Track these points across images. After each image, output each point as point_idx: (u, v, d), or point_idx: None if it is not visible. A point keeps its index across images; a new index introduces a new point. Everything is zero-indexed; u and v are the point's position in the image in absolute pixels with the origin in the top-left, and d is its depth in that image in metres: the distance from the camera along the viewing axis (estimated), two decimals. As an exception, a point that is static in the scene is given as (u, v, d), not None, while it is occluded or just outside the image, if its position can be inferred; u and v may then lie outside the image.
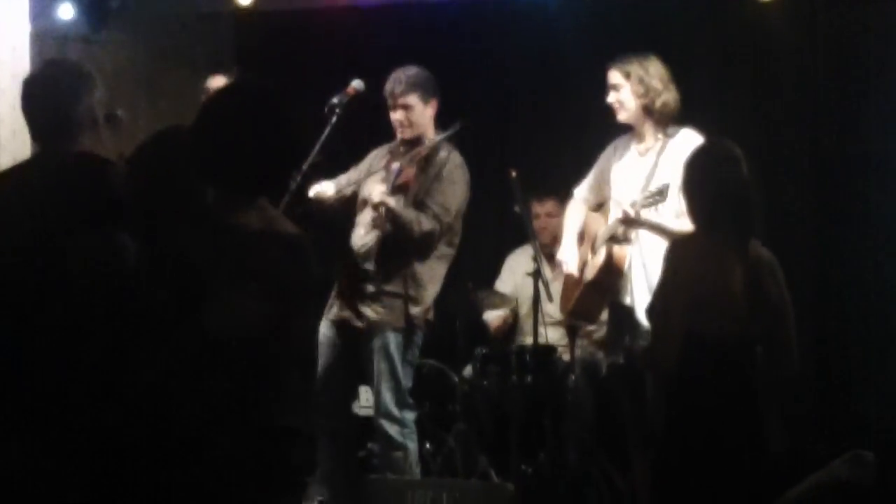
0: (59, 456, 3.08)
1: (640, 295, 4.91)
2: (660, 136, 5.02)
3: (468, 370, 6.20)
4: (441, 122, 5.36)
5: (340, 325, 5.26)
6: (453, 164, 5.25)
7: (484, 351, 6.24)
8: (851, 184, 6.33)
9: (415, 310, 5.19)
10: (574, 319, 5.58)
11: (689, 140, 4.81)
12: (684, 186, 4.22)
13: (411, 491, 5.03)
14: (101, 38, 6.41)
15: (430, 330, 5.35)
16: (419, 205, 5.17)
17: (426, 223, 5.13)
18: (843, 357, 6.35)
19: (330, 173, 5.40)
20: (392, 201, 5.15)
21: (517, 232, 6.06)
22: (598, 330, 6.14)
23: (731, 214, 4.04)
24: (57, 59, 4.07)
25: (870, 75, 6.30)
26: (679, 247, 4.27)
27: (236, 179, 2.73)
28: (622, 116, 5.09)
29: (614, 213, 5.01)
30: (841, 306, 6.36)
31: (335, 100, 5.18)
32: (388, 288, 5.18)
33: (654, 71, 5.02)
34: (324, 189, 5.31)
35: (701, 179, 4.14)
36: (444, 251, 5.29)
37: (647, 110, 5.02)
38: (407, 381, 5.24)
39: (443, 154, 5.26)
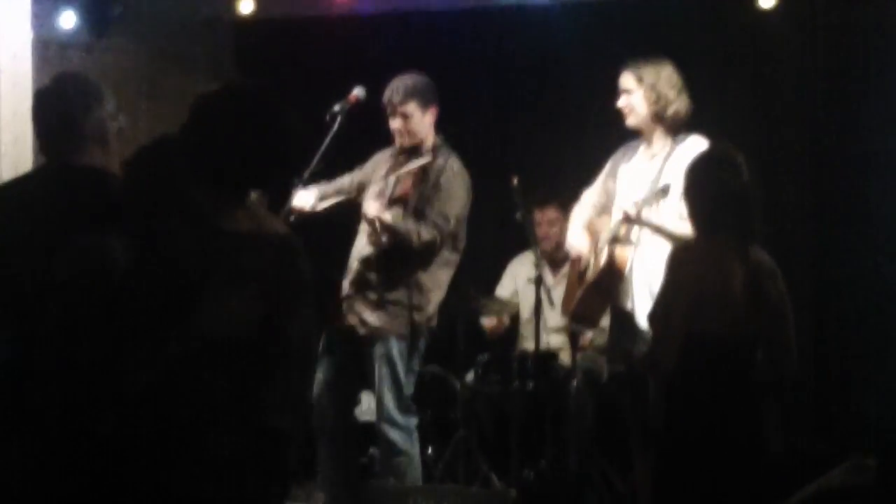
0: (54, 457, 3.10)
1: (640, 299, 4.91)
2: (668, 141, 4.99)
3: (470, 376, 6.20)
4: (442, 128, 5.37)
5: (344, 332, 5.27)
6: (451, 172, 5.24)
7: (485, 357, 6.25)
8: (851, 184, 6.33)
9: (418, 317, 5.19)
10: (575, 321, 5.57)
11: (696, 146, 4.77)
12: (685, 191, 4.22)
13: (413, 497, 5.03)
14: (101, 44, 6.41)
15: (433, 336, 5.36)
16: (419, 215, 5.17)
17: (426, 233, 5.13)
18: (843, 357, 6.35)
19: (330, 180, 5.41)
20: (388, 216, 5.14)
21: (519, 238, 6.07)
22: (599, 336, 6.15)
23: (732, 219, 4.04)
24: (68, 73, 4.05)
25: (869, 76, 6.31)
26: (680, 252, 4.29)
27: (224, 178, 2.74)
28: (632, 121, 5.05)
29: (617, 215, 5.00)
30: (840, 306, 6.37)
31: (336, 107, 5.19)
32: (391, 296, 5.18)
33: (668, 77, 4.97)
34: (303, 202, 5.29)
35: (702, 184, 4.14)
36: (449, 257, 5.30)
37: (658, 117, 4.98)
38: (409, 388, 5.24)
39: (440, 162, 5.26)
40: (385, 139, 5.46)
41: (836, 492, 4.77)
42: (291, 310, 2.69)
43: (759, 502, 4.01)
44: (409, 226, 5.13)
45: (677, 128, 4.99)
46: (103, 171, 3.54)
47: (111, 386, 2.67)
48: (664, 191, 4.70)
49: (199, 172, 2.74)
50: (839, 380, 6.35)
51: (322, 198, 5.36)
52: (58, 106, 3.59)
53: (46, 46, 6.01)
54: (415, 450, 5.27)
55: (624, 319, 5.05)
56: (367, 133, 5.44)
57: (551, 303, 5.71)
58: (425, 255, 5.18)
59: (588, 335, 6.22)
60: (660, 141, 5.01)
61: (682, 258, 4.20)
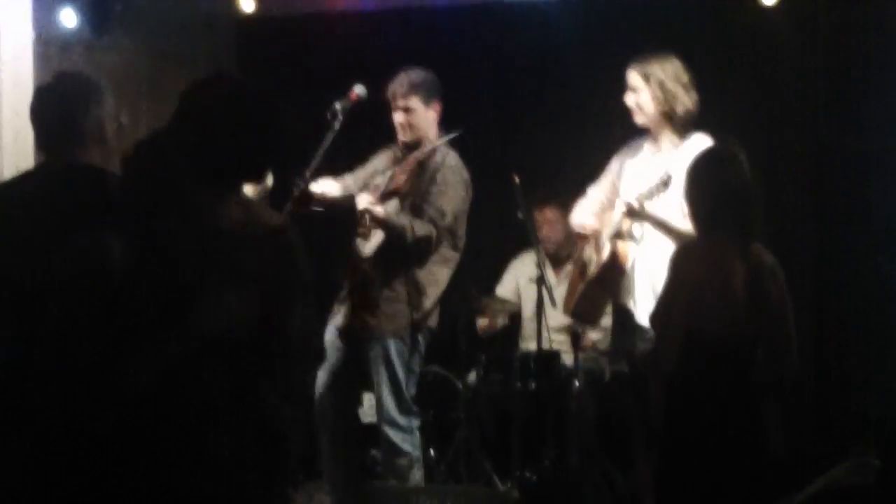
0: (54, 457, 3.09)
1: (642, 297, 4.90)
2: (675, 139, 4.95)
3: (472, 376, 6.20)
4: (444, 125, 5.35)
5: (344, 332, 5.25)
6: (449, 168, 5.23)
7: (487, 357, 6.24)
8: (851, 183, 6.34)
9: (415, 315, 5.18)
10: (576, 318, 5.54)
11: (702, 145, 4.74)
12: (687, 190, 4.21)
13: (415, 497, 5.03)
14: (102, 42, 6.40)
15: (433, 336, 5.34)
16: (415, 209, 5.16)
17: (420, 228, 5.11)
18: (843, 357, 6.36)
19: (332, 178, 5.40)
20: (379, 209, 5.13)
21: (520, 237, 6.06)
22: (602, 340, 6.15)
23: (733, 217, 4.04)
24: (68, 71, 4.06)
25: (869, 75, 6.31)
26: (681, 251, 4.28)
27: (215, 171, 2.73)
28: (640, 120, 5.01)
29: (620, 208, 4.96)
30: (840, 306, 6.38)
31: (337, 105, 5.17)
32: (388, 294, 5.16)
33: (675, 74, 4.92)
34: (328, 188, 5.29)
35: (703, 182, 4.13)
36: (447, 255, 5.28)
37: (667, 116, 4.94)
38: (410, 388, 5.23)
39: (438, 158, 5.25)
40: (386, 136, 5.46)
41: (838, 490, 4.76)
42: (290, 306, 2.69)
43: (761, 502, 4.00)
44: (403, 220, 5.11)
45: (686, 125, 4.95)
46: (102, 169, 3.54)
47: (109, 385, 2.66)
48: (665, 182, 4.66)
49: (190, 166, 2.73)
50: (839, 379, 6.36)
51: (344, 189, 5.35)
52: (57, 104, 3.60)
53: (47, 45, 6.00)
54: (416, 451, 5.26)
55: (625, 317, 5.04)
56: (368, 131, 5.44)
57: (553, 302, 5.70)
58: (421, 251, 5.15)
59: (591, 336, 6.21)
60: (667, 139, 4.98)
61: (684, 257, 4.20)
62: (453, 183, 5.22)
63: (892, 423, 5.90)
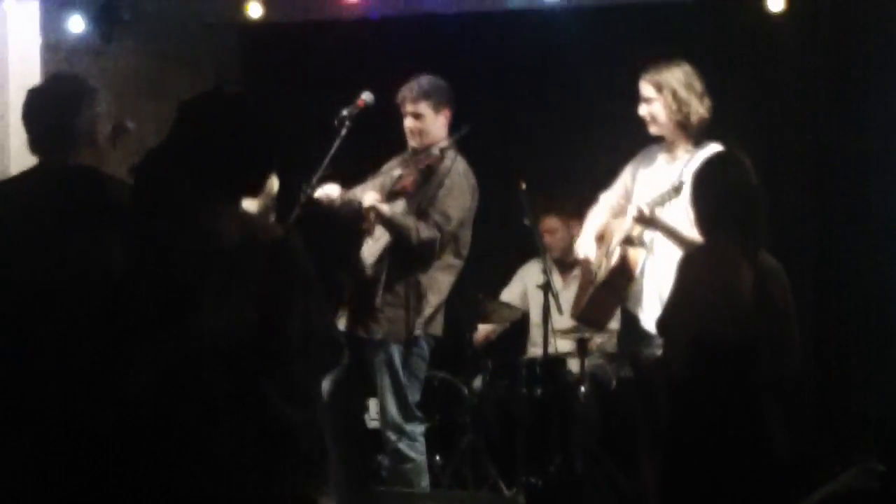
0: (55, 459, 3.10)
1: (650, 304, 4.89)
2: (690, 148, 4.89)
3: (478, 382, 6.20)
4: (454, 131, 5.36)
5: (348, 337, 5.26)
6: (457, 173, 5.24)
7: (493, 363, 6.24)
8: (852, 184, 6.34)
9: (417, 321, 5.18)
10: (584, 322, 5.52)
11: None
12: (692, 195, 4.19)
13: (420, 503, 5.04)
14: (109, 47, 6.42)
15: (438, 342, 5.34)
16: (421, 213, 5.17)
17: (425, 231, 5.11)
18: (843, 357, 6.36)
19: (339, 185, 5.40)
20: (385, 207, 5.14)
21: (525, 243, 6.06)
22: (608, 341, 6.15)
23: (739, 222, 4.02)
24: (60, 73, 4.08)
25: (870, 76, 6.31)
26: (689, 257, 4.27)
27: (211, 183, 2.74)
28: (654, 130, 4.94)
29: (630, 215, 4.93)
30: (841, 307, 6.37)
31: (345, 112, 5.18)
32: (391, 299, 5.17)
33: (688, 82, 4.84)
34: (330, 191, 5.29)
35: (709, 188, 4.12)
36: (450, 261, 5.28)
37: (682, 126, 4.87)
38: (414, 394, 5.22)
39: (447, 163, 5.25)
40: (393, 144, 5.46)
41: (844, 496, 4.76)
42: (289, 308, 2.69)
43: (766, 504, 4.01)
44: (409, 221, 5.11)
45: (701, 134, 4.88)
46: (96, 170, 3.56)
47: (107, 387, 2.67)
48: (677, 189, 4.62)
49: (188, 180, 2.74)
50: (839, 380, 6.36)
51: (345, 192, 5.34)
52: (48, 106, 3.61)
53: (55, 51, 6.03)
54: (422, 456, 5.25)
55: (633, 323, 5.03)
56: (376, 138, 5.44)
57: (560, 309, 5.70)
58: (425, 255, 5.15)
59: (596, 340, 6.21)
60: (682, 148, 4.92)
61: (691, 262, 4.19)
62: (461, 189, 5.22)
63: (893, 424, 5.90)
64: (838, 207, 6.36)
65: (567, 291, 6.24)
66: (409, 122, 5.29)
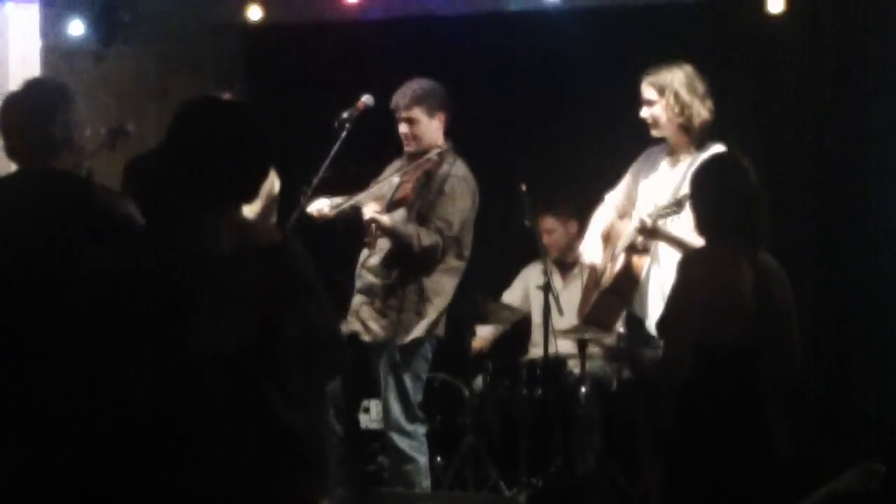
0: (56, 461, 3.11)
1: (654, 308, 4.87)
2: (693, 151, 4.82)
3: (478, 383, 6.20)
4: (452, 133, 5.36)
5: (350, 339, 5.27)
6: (456, 177, 5.24)
7: (494, 364, 6.24)
8: (852, 184, 6.33)
9: (421, 324, 5.19)
10: (591, 325, 5.50)
11: None
12: (692, 197, 4.19)
13: (421, 504, 5.06)
14: (110, 50, 6.43)
15: (440, 343, 5.35)
16: (422, 219, 5.18)
17: (427, 238, 5.12)
18: (845, 358, 6.35)
19: (339, 187, 5.40)
20: (386, 218, 5.16)
21: (526, 245, 6.06)
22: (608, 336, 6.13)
23: (741, 224, 4.02)
24: (37, 79, 4.09)
25: (872, 78, 6.30)
26: (689, 258, 4.27)
27: (205, 190, 2.74)
28: (656, 133, 4.89)
29: (635, 221, 4.88)
30: (842, 308, 6.36)
31: (345, 114, 5.19)
32: (394, 302, 5.18)
33: (690, 83, 4.79)
34: (320, 206, 5.29)
35: (709, 190, 4.12)
36: (453, 264, 5.29)
37: (684, 128, 4.81)
38: (417, 395, 5.24)
39: (445, 167, 5.25)
40: (393, 146, 5.46)
41: (845, 497, 4.76)
42: (288, 311, 2.69)
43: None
44: (410, 229, 5.13)
45: (703, 136, 4.81)
46: (74, 175, 3.57)
47: (108, 390, 2.67)
48: (679, 203, 4.60)
49: (184, 183, 2.74)
50: (840, 381, 6.35)
51: (336, 205, 5.34)
52: (23, 111, 3.63)
53: (55, 54, 6.04)
54: (423, 457, 5.26)
55: (638, 325, 5.02)
56: (376, 140, 5.44)
57: (560, 310, 5.70)
58: (427, 260, 5.17)
59: (605, 340, 6.19)
60: (684, 151, 4.86)
61: (692, 264, 4.19)
62: (460, 192, 5.23)
63: (893, 424, 5.90)
64: (839, 208, 6.35)
65: (567, 292, 6.25)
66: (403, 128, 5.29)
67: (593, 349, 6.18)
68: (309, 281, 2.76)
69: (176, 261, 2.68)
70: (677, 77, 4.82)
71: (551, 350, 5.72)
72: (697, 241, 4.48)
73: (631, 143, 5.15)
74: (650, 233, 4.75)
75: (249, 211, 4.46)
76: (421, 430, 5.26)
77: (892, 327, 6.11)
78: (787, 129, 6.54)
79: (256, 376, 2.66)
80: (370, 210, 5.15)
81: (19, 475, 3.37)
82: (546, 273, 5.66)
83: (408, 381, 5.19)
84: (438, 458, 5.96)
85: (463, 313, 5.76)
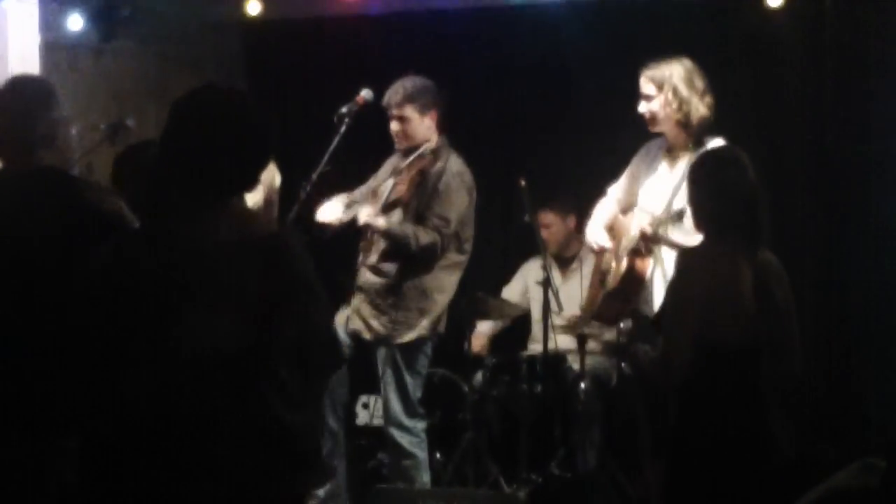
0: (53, 459, 3.11)
1: (659, 305, 4.87)
2: (690, 148, 4.77)
3: (478, 379, 6.20)
4: (448, 128, 5.36)
5: (352, 336, 5.28)
6: (450, 174, 5.24)
7: (494, 360, 6.24)
8: (853, 184, 6.33)
9: (423, 321, 5.20)
10: (599, 321, 5.45)
11: None
12: (689, 193, 4.16)
13: (421, 500, 5.05)
14: (109, 46, 6.43)
15: (440, 339, 5.35)
16: (419, 218, 5.18)
17: (424, 236, 5.13)
18: (847, 358, 6.34)
19: (338, 182, 5.41)
20: (381, 221, 5.16)
21: (526, 240, 6.06)
22: (607, 332, 6.12)
23: (740, 220, 4.00)
24: (19, 77, 4.09)
25: (874, 77, 6.30)
26: (688, 255, 4.26)
27: (203, 182, 2.73)
28: (654, 128, 4.86)
29: (637, 222, 4.89)
30: (843, 307, 6.36)
31: (344, 109, 5.20)
32: (395, 300, 5.19)
33: (689, 78, 4.75)
34: (327, 213, 5.31)
35: (708, 186, 4.10)
36: (454, 259, 5.29)
37: (682, 125, 4.77)
38: (417, 391, 5.25)
39: (439, 164, 5.25)
40: (393, 141, 5.46)
41: (844, 492, 4.75)
42: (285, 307, 2.68)
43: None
44: (407, 230, 5.13)
45: (702, 133, 4.76)
46: (61, 171, 3.58)
47: (101, 388, 2.67)
48: (680, 215, 4.56)
49: (179, 178, 2.73)
50: (842, 381, 6.34)
51: (342, 216, 5.35)
52: (5, 109, 3.63)
53: (54, 50, 6.04)
54: (423, 453, 5.28)
55: (643, 321, 5.00)
56: (375, 135, 5.44)
57: (560, 306, 5.70)
58: (426, 258, 5.17)
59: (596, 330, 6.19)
60: (682, 149, 4.82)
61: (690, 260, 4.17)
62: (456, 188, 5.23)
63: (894, 424, 5.90)
64: (839, 207, 6.35)
65: (566, 287, 6.25)
66: (394, 126, 5.29)
67: (593, 345, 6.19)
68: (308, 280, 2.75)
69: (173, 256, 2.67)
70: (676, 72, 4.78)
71: (551, 346, 5.72)
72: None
73: (630, 139, 5.13)
74: (652, 240, 4.75)
75: (251, 200, 4.48)
76: (420, 426, 5.27)
77: (893, 327, 6.11)
78: (787, 128, 6.52)
79: (254, 374, 2.65)
80: (364, 215, 5.16)
81: (18, 475, 3.38)
82: (545, 269, 5.66)
83: (408, 377, 5.20)
84: (438, 455, 5.96)
85: (463, 309, 5.75)
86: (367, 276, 5.27)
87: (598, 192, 5.21)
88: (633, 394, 5.06)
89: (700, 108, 4.77)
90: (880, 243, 6.18)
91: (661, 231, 4.68)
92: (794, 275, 4.08)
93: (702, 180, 4.10)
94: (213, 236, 2.69)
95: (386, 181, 5.38)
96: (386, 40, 6.71)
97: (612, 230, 5.13)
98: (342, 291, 5.38)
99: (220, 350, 2.61)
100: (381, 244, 5.22)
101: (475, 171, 5.35)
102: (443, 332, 5.33)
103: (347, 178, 5.47)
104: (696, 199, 4.12)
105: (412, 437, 5.23)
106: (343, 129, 5.15)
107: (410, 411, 5.22)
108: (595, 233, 5.10)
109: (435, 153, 5.27)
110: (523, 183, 5.55)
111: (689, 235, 4.63)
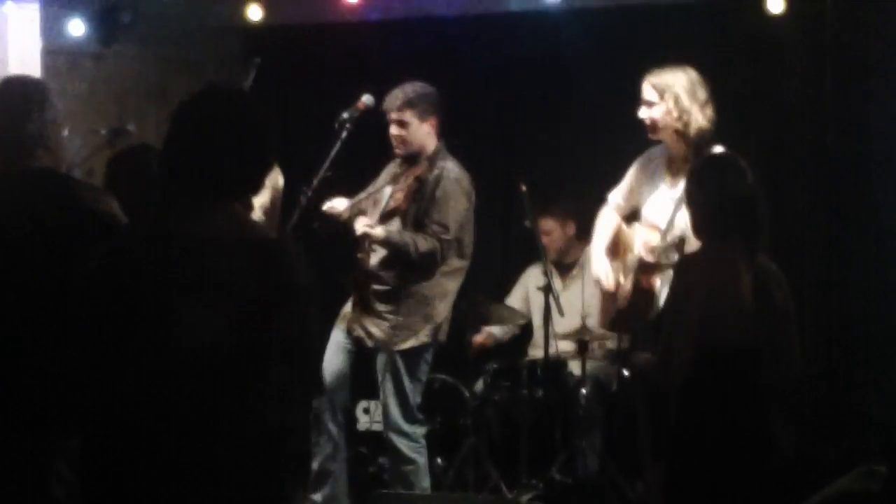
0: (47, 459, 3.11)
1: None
2: (690, 158, 4.70)
3: (479, 384, 6.20)
4: (447, 135, 5.36)
5: (353, 340, 5.28)
6: (448, 179, 5.24)
7: (495, 365, 6.24)
8: (853, 185, 6.32)
9: (425, 328, 5.20)
10: (614, 331, 5.43)
11: None
12: (688, 198, 4.15)
13: (422, 505, 5.06)
14: (110, 51, 6.43)
15: (440, 344, 5.35)
16: (418, 225, 5.19)
17: (423, 244, 5.13)
18: (847, 359, 6.34)
19: (340, 187, 5.41)
20: (379, 231, 5.17)
21: (526, 246, 6.06)
22: (611, 340, 6.12)
23: (739, 225, 4.01)
24: (12, 77, 4.09)
25: (875, 78, 6.30)
26: (688, 260, 4.26)
27: (206, 181, 2.73)
28: (654, 135, 4.83)
29: (640, 237, 4.88)
30: (843, 308, 6.35)
31: (345, 114, 5.20)
32: (396, 307, 5.19)
33: (692, 88, 4.71)
34: (336, 204, 5.31)
35: (707, 191, 4.10)
36: (456, 265, 5.30)
37: (680, 134, 4.74)
38: (416, 397, 5.26)
39: (437, 171, 5.25)
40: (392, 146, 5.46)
41: (846, 497, 4.75)
42: (279, 310, 2.67)
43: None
44: (406, 237, 5.14)
45: (701, 144, 4.71)
46: (55, 171, 3.58)
47: (93, 387, 2.66)
48: (678, 246, 4.55)
49: (181, 177, 2.73)
50: (843, 383, 6.34)
51: (352, 205, 5.35)
52: (1, 110, 3.62)
53: (55, 54, 6.04)
54: (423, 458, 5.28)
55: (652, 328, 5.00)
56: (376, 141, 5.44)
57: (560, 311, 5.70)
58: (426, 265, 5.18)
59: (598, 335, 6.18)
60: (682, 162, 4.76)
61: (690, 265, 4.18)
62: (454, 194, 5.23)
63: (894, 425, 5.89)
64: (840, 208, 6.34)
65: (567, 293, 6.25)
66: (393, 130, 5.28)
67: (594, 350, 6.19)
68: (303, 286, 2.75)
69: (171, 254, 2.67)
70: (679, 81, 4.75)
71: (552, 351, 5.72)
72: None
73: (630, 144, 5.13)
74: (654, 269, 4.76)
75: (258, 203, 4.49)
76: (420, 431, 5.28)
77: (893, 327, 6.10)
78: (787, 129, 6.52)
79: (251, 374, 2.65)
80: (360, 225, 5.16)
81: (18, 475, 3.38)
82: (546, 274, 5.65)
83: (407, 383, 5.21)
84: (439, 460, 5.96)
85: (463, 312, 5.75)
86: (366, 284, 5.27)
87: (597, 197, 5.21)
88: (635, 393, 5.05)
89: (700, 119, 4.73)
90: (880, 244, 6.18)
91: (662, 260, 4.68)
92: (794, 275, 4.09)
93: (701, 184, 4.10)
94: (213, 236, 2.69)
95: (384, 188, 5.38)
96: (386, 46, 6.71)
97: (617, 246, 5.10)
98: (342, 292, 5.38)
99: (218, 349, 2.60)
100: (380, 251, 5.23)
101: (475, 177, 5.35)
102: (444, 340, 5.33)
103: (348, 183, 5.47)
104: (695, 203, 4.13)
105: (411, 443, 5.24)
106: (344, 134, 5.15)
107: (410, 417, 5.22)
108: (600, 268, 5.04)
109: (431, 160, 5.27)
110: (524, 188, 5.55)
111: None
